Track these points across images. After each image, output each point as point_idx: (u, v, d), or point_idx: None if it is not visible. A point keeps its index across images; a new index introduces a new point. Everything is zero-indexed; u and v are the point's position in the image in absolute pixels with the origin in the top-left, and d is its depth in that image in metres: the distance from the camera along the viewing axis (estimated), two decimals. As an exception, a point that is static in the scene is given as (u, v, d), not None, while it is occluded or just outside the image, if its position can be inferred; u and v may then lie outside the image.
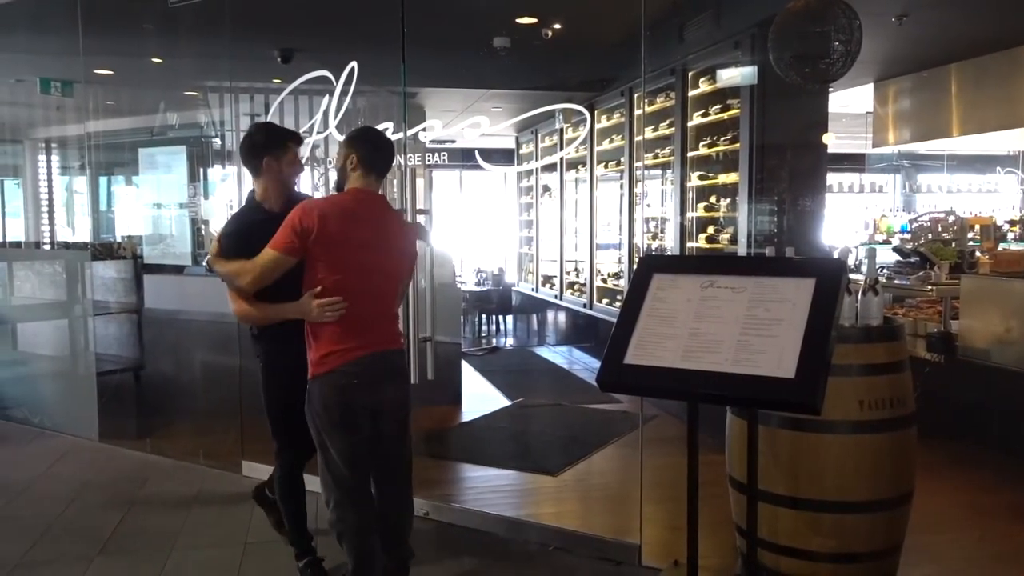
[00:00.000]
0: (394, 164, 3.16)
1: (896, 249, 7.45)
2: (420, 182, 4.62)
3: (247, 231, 3.12)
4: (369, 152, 3.03)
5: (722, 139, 6.20)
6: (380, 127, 5.62)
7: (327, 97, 5.74)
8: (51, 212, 10.23)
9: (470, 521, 4.04)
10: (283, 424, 3.29)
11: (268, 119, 6.61)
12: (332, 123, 5.71)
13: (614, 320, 2.59)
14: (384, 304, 3.09)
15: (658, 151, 7.17)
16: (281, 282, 2.97)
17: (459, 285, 8.59)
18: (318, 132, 6.19)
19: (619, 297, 7.68)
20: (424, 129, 6.24)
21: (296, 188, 3.38)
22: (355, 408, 2.96)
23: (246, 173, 3.80)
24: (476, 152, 6.99)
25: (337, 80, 5.59)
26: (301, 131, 6.41)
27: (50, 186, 10.35)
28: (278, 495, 3.43)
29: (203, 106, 6.27)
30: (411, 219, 3.97)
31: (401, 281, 3.20)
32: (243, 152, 3.31)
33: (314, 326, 2.95)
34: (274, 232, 2.95)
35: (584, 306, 8.61)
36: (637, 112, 7.23)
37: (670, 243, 7.03)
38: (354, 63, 5.51)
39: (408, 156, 7.31)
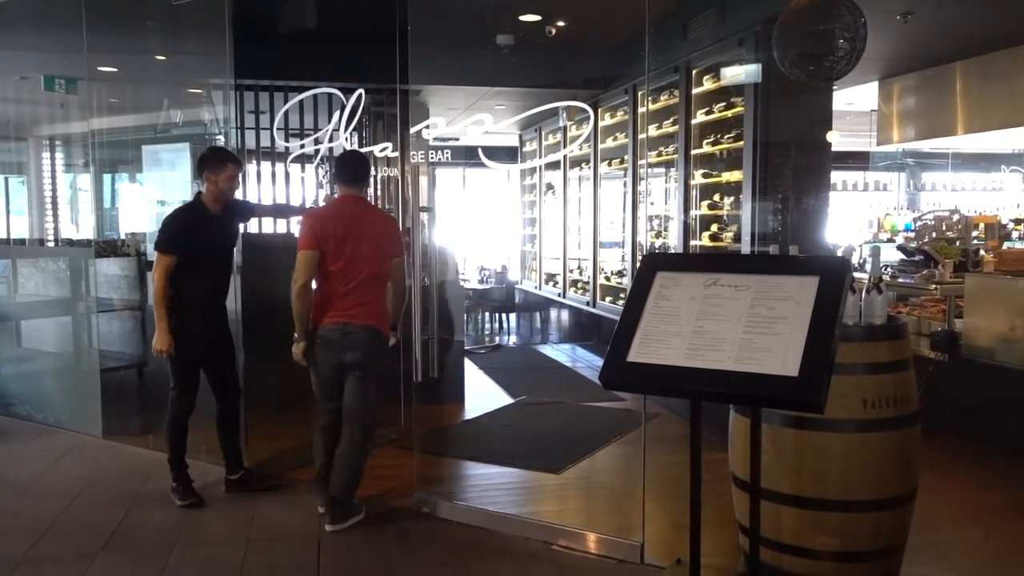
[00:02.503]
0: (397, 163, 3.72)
1: (900, 247, 7.44)
2: (423, 180, 4.63)
3: (193, 226, 4.18)
4: (338, 169, 4.19)
5: (726, 137, 6.19)
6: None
7: (337, 113, 6.51)
8: (55, 209, 10.26)
9: (473, 519, 4.04)
10: (191, 375, 4.27)
11: (278, 116, 6.85)
12: (343, 136, 6.52)
13: (617, 318, 2.59)
14: (355, 283, 3.90)
15: (662, 149, 7.16)
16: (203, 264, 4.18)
17: (462, 283, 8.60)
18: (330, 141, 6.84)
19: (622, 295, 7.67)
20: (427, 127, 6.26)
21: (235, 197, 4.41)
22: (319, 358, 3.96)
23: (250, 172, 4.34)
24: (479, 150, 6.99)
25: (348, 97, 6.30)
26: (316, 135, 7.05)
27: (54, 183, 10.38)
28: (177, 432, 4.29)
29: (207, 103, 6.27)
30: (414, 216, 4.09)
31: (377, 261, 3.96)
32: (195, 164, 4.33)
33: (315, 294, 3.95)
34: (213, 229, 4.21)
35: (587, 304, 8.60)
36: (641, 110, 7.22)
37: (673, 241, 7.02)
38: (361, 90, 6.40)
39: (412, 153, 7.36)
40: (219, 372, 4.36)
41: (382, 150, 7.08)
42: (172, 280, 4.11)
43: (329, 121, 7.70)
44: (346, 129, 6.44)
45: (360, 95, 6.41)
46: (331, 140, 6.79)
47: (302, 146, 7.20)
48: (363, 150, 7.23)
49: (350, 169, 4.11)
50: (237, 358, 4.49)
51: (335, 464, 3.98)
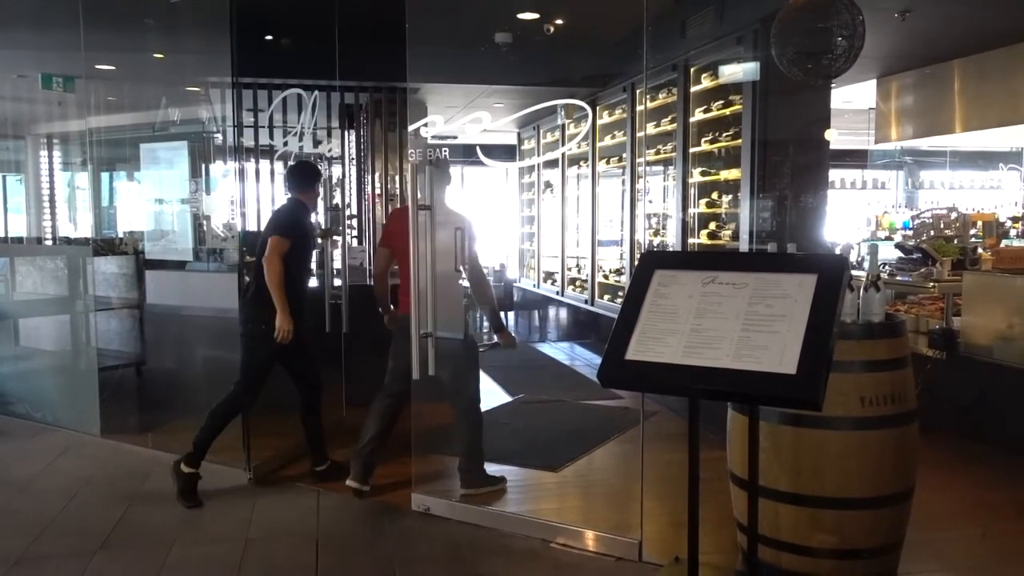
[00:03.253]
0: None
1: (898, 245, 7.44)
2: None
3: (304, 220, 4.58)
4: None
5: (724, 135, 6.19)
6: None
7: (303, 113, 6.82)
8: (53, 208, 10.24)
9: (471, 517, 4.05)
10: (264, 374, 4.44)
11: (266, 114, 6.91)
12: (307, 136, 6.93)
13: (615, 316, 2.59)
14: None
15: (660, 147, 7.16)
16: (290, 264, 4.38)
17: (461, 281, 8.60)
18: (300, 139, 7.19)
19: (620, 293, 7.67)
20: (426, 125, 6.27)
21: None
22: (399, 344, 4.31)
23: (248, 169, 4.65)
24: (478, 148, 7.00)
25: (300, 97, 6.66)
26: (297, 132, 7.21)
27: (52, 182, 10.37)
28: (221, 423, 4.38)
29: (205, 101, 6.27)
30: (413, 214, 4.07)
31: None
32: (305, 176, 4.70)
33: (398, 287, 4.47)
34: (311, 228, 4.69)
35: (585, 302, 8.60)
36: (639, 108, 7.22)
37: (672, 239, 7.02)
38: (316, 93, 6.74)
39: (410, 152, 7.36)
40: (300, 367, 4.58)
41: (329, 150, 7.15)
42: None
43: (327, 119, 7.71)
44: (309, 126, 6.84)
45: (315, 97, 6.64)
46: (300, 139, 6.89)
47: (302, 140, 7.23)
48: (314, 151, 7.38)
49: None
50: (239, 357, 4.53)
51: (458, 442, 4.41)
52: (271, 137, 7.37)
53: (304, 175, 4.71)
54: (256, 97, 7.39)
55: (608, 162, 8.18)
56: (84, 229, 9.42)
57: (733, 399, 3.01)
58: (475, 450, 4.43)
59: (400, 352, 4.30)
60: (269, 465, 4.77)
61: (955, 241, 7.30)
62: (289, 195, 4.67)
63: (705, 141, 6.44)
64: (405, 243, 4.20)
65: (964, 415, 5.00)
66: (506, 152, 11.13)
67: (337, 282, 5.64)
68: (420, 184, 4.04)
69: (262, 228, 7.26)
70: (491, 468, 4.88)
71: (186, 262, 5.97)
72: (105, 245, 6.49)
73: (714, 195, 6.46)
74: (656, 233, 7.49)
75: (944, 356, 5.24)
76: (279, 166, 7.66)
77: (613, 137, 8.06)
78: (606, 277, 8.25)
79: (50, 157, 10.36)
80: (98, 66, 6.55)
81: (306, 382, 4.63)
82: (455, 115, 8.19)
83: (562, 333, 9.86)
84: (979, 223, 8.81)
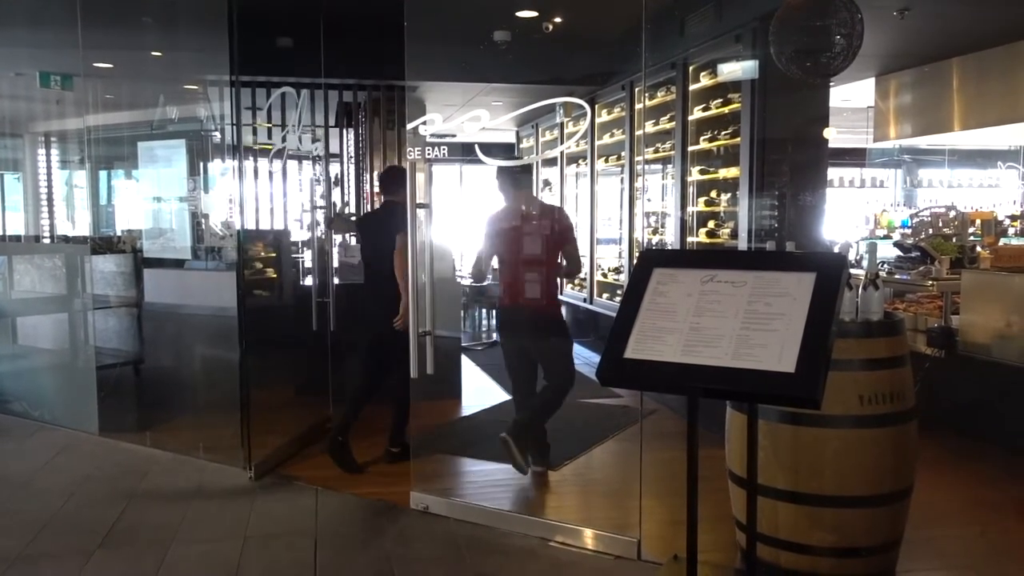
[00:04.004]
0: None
1: (897, 244, 7.44)
2: (420, 176, 4.67)
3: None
4: (497, 182, 5.04)
5: (723, 133, 6.18)
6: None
7: (293, 111, 6.83)
8: (51, 206, 10.23)
9: (469, 515, 4.04)
10: None
11: (259, 113, 7.14)
12: (296, 134, 6.92)
13: (614, 314, 2.59)
14: (521, 272, 4.65)
15: (659, 145, 7.15)
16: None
17: (459, 279, 8.59)
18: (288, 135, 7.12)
19: (619, 292, 7.67)
20: (424, 123, 6.26)
21: None
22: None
23: (247, 168, 4.63)
24: (476, 146, 6.97)
25: (299, 95, 6.67)
26: (294, 131, 7.13)
27: (50, 180, 10.35)
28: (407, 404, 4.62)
29: (203, 100, 6.26)
30: (411, 211, 4.08)
31: (533, 254, 4.68)
32: (400, 179, 5.01)
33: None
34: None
35: (584, 301, 8.60)
36: (638, 106, 7.21)
37: (670, 238, 7.02)
38: (305, 91, 6.74)
39: (408, 150, 7.35)
40: (389, 355, 4.83)
41: (315, 149, 7.26)
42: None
43: (325, 118, 7.70)
44: (299, 126, 6.88)
45: (303, 96, 6.73)
46: (299, 139, 6.93)
47: (305, 140, 7.22)
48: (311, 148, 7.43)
49: (500, 180, 5.11)
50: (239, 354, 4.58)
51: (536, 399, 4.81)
52: (269, 136, 7.37)
53: (400, 178, 5.04)
54: (255, 95, 7.38)
55: (607, 160, 8.18)
56: (82, 227, 9.40)
57: (732, 397, 3.01)
58: (539, 418, 4.70)
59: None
60: (269, 463, 4.76)
61: (954, 239, 7.29)
62: (384, 198, 5.05)
63: (704, 139, 6.44)
64: (506, 242, 4.76)
65: (963, 413, 5.00)
66: (505, 150, 11.11)
67: (336, 280, 5.64)
68: (417, 181, 4.04)
69: (261, 227, 7.28)
70: (491, 467, 4.90)
71: (184, 260, 5.97)
72: (103, 243, 6.48)
73: (713, 193, 6.46)
74: (655, 231, 7.48)
75: (942, 354, 5.24)
76: (277, 164, 7.67)
77: (612, 135, 8.06)
78: (605, 275, 8.25)
79: (48, 155, 10.34)
80: (96, 64, 6.53)
81: (382, 371, 4.85)
82: (453, 113, 8.15)
83: (561, 331, 9.84)
84: (978, 221, 8.82)
